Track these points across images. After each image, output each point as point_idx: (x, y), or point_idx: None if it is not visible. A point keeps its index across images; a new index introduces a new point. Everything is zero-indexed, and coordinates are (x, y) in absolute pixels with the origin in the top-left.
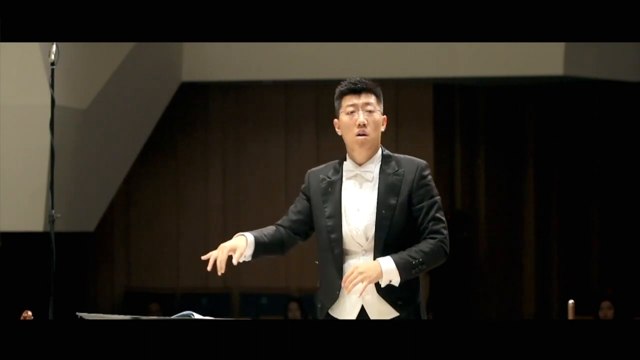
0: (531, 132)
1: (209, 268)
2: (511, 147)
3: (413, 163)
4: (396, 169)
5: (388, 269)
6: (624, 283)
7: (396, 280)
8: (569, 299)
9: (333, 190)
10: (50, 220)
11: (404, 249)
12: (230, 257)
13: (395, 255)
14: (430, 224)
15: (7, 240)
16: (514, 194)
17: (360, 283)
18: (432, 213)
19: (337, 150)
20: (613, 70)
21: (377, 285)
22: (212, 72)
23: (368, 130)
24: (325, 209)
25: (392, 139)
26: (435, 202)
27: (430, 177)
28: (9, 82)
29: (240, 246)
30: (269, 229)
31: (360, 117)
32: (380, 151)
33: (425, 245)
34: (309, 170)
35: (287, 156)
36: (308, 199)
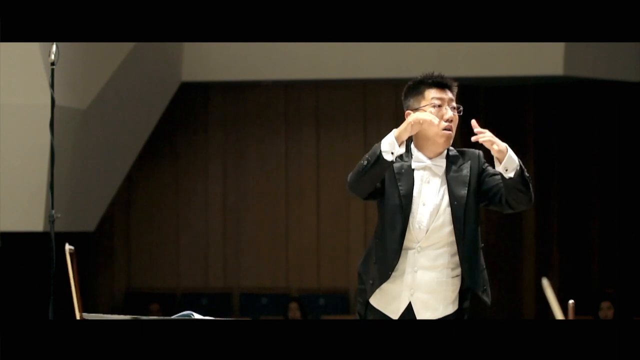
0: (531, 132)
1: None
2: (511, 147)
3: (474, 153)
4: (462, 162)
5: (511, 153)
6: (624, 283)
7: (513, 168)
8: (569, 299)
9: (407, 171)
10: (50, 220)
11: (477, 246)
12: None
13: None
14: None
15: (7, 240)
16: None
17: (487, 136)
18: None
19: (337, 150)
20: (613, 70)
21: (470, 280)
22: (212, 72)
23: (453, 126)
24: (400, 187)
25: None
26: None
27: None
28: (9, 82)
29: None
30: None
31: (449, 112)
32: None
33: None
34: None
35: (287, 156)
36: None
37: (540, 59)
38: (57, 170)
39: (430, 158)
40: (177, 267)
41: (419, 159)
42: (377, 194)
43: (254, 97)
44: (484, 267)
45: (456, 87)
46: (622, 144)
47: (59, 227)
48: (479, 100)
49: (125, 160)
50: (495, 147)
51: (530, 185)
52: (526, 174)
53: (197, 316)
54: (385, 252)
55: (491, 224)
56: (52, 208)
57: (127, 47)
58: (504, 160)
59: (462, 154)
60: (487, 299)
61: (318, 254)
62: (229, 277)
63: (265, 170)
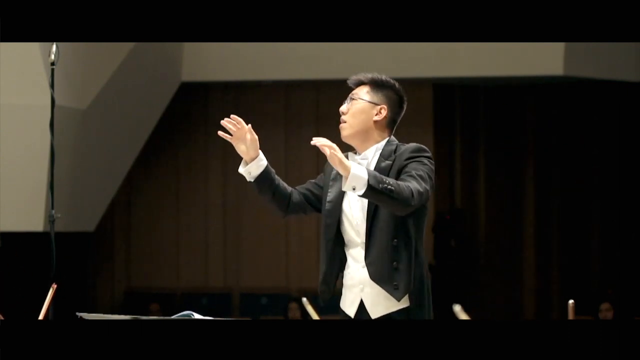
0: (531, 132)
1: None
2: (511, 147)
3: (407, 147)
4: (393, 155)
5: (357, 169)
6: (624, 283)
7: (361, 186)
8: (569, 299)
9: (341, 177)
10: (50, 220)
11: (393, 240)
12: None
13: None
14: (407, 176)
15: (7, 240)
16: (514, 194)
17: (327, 146)
18: (412, 171)
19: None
20: (613, 70)
21: (374, 274)
22: (212, 72)
23: (345, 117)
24: (329, 194)
25: None
26: (421, 167)
27: (425, 157)
28: (9, 82)
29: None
30: (285, 184)
31: (342, 106)
32: (384, 142)
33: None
34: None
35: (287, 156)
36: (322, 181)
37: (540, 59)
38: (57, 170)
39: (358, 154)
40: (177, 267)
41: (352, 157)
42: (318, 204)
43: (254, 97)
44: (404, 264)
45: (369, 79)
46: (622, 144)
47: (59, 227)
48: (479, 100)
49: (125, 160)
50: (337, 163)
51: (394, 194)
52: (384, 186)
53: (197, 316)
54: (323, 263)
55: (492, 224)
56: (52, 208)
57: (127, 47)
58: (348, 179)
59: (400, 147)
60: (396, 295)
61: (318, 253)
62: (229, 277)
63: None
